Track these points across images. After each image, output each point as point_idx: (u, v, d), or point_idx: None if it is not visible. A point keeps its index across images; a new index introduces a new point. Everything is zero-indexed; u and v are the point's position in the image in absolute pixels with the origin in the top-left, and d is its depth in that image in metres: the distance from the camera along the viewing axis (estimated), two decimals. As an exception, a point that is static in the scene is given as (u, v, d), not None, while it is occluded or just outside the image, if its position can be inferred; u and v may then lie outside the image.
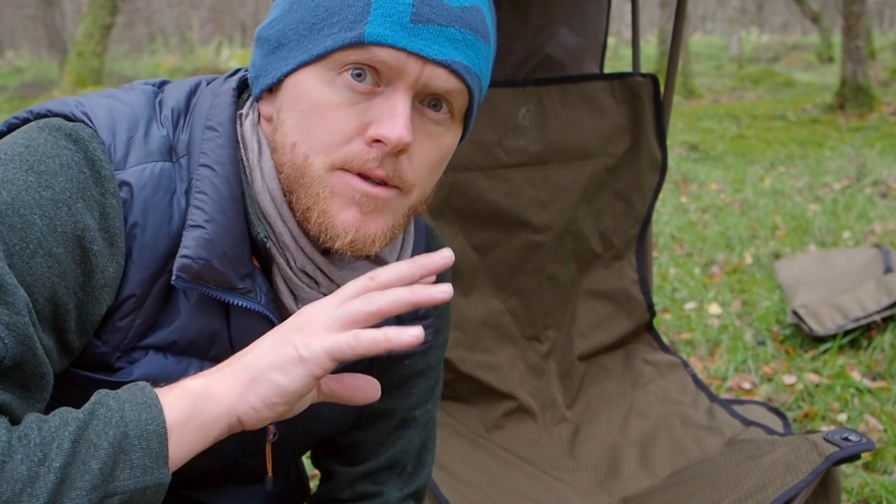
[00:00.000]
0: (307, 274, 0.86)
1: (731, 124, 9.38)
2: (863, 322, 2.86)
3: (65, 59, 13.59)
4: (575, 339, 1.68)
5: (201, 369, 0.84)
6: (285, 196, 0.83)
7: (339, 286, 0.87)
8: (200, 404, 0.69)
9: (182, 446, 0.68)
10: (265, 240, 0.83)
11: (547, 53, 1.67)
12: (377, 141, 0.78)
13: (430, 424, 1.10)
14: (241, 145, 0.85)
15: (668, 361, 1.65)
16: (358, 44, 0.77)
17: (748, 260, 4.05)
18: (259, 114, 0.86)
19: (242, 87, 0.91)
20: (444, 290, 0.71)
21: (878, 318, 2.86)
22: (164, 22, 30.72)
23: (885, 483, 1.98)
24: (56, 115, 0.82)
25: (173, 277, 0.78)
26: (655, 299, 3.39)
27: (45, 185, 0.73)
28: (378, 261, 0.93)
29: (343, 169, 0.79)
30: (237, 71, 0.93)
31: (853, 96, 9.40)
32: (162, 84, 0.93)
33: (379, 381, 0.83)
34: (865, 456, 2.11)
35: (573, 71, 1.70)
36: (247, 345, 0.85)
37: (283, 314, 0.86)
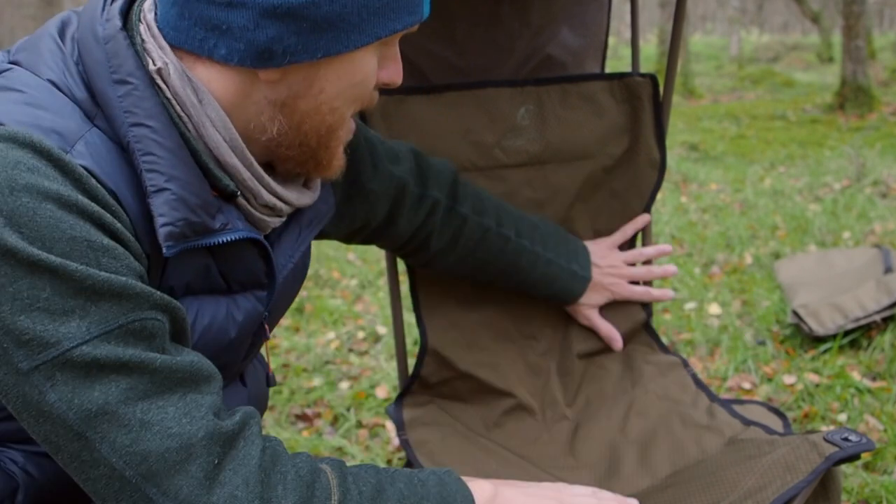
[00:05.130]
0: (268, 206, 0.90)
1: (731, 124, 9.38)
2: (863, 322, 2.86)
3: (65, 59, 13.55)
4: (573, 339, 1.68)
5: (198, 307, 0.89)
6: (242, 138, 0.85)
7: (295, 206, 0.94)
8: None
9: None
10: (235, 191, 0.85)
11: (548, 53, 1.67)
12: (385, 84, 0.90)
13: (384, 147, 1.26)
14: (171, 102, 0.81)
15: (668, 361, 1.65)
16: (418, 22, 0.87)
17: (748, 260, 4.05)
18: (181, 62, 0.81)
19: (123, 23, 0.82)
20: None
21: (878, 318, 2.86)
22: (164, 22, 30.67)
23: (885, 483, 1.98)
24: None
25: (164, 250, 0.78)
26: (655, 299, 3.38)
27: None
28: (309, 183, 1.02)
29: None
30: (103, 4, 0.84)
31: (853, 96, 9.39)
32: (6, 52, 0.85)
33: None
34: (865, 456, 2.11)
35: (575, 71, 1.70)
36: (235, 270, 0.92)
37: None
